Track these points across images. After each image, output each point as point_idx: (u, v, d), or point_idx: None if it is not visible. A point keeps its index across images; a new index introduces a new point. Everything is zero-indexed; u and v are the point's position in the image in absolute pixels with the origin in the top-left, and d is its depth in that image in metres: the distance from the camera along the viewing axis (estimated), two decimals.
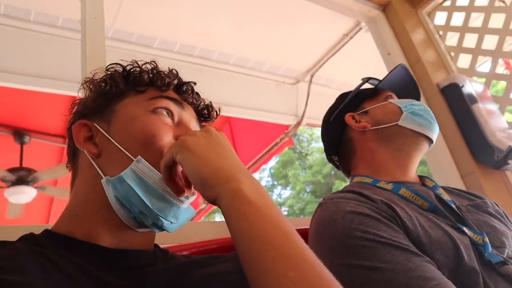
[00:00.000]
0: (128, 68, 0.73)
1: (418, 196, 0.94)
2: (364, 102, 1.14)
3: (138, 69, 0.72)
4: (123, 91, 0.70)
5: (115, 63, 0.74)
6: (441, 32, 2.18)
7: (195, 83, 0.77)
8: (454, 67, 2.07)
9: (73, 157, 0.69)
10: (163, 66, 0.75)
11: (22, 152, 3.60)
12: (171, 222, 0.61)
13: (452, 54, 2.12)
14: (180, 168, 0.61)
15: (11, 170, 3.55)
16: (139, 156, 0.60)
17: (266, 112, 3.21)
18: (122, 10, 2.29)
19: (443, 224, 0.87)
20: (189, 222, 0.80)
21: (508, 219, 1.02)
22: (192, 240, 1.02)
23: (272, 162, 16.01)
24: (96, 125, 0.67)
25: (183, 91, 0.73)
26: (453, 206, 0.96)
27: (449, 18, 2.15)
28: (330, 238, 0.83)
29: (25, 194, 3.67)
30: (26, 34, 2.25)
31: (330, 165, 1.22)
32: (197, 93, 0.77)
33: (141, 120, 0.65)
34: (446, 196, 0.99)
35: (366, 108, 1.13)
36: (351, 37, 2.79)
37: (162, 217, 0.59)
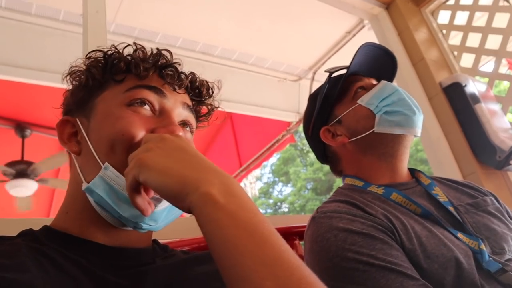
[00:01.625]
0: (108, 53, 0.68)
1: (410, 201, 0.91)
2: (335, 108, 1.07)
3: (117, 54, 0.68)
4: (102, 82, 0.67)
5: (95, 50, 0.69)
6: (444, 31, 2.17)
7: (179, 64, 0.71)
8: (457, 67, 2.07)
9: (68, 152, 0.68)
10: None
11: (23, 145, 3.60)
12: (151, 225, 0.59)
13: (455, 53, 2.11)
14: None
15: (12, 164, 3.56)
16: (106, 163, 0.58)
17: (268, 109, 3.20)
18: (124, 4, 2.28)
19: (439, 232, 0.84)
20: (190, 218, 0.79)
21: (509, 215, 0.99)
22: (192, 236, 1.02)
23: (273, 159, 16.02)
24: (78, 121, 0.65)
25: (165, 75, 0.67)
26: (450, 208, 0.92)
27: (452, 17, 2.14)
28: (324, 259, 0.80)
29: (25, 188, 3.67)
30: (27, 27, 2.24)
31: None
32: (182, 73, 0.70)
33: (113, 117, 0.62)
34: (442, 197, 0.95)
35: (338, 115, 1.05)
36: (354, 35, 2.78)
37: (139, 222, 0.58)
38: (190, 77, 0.72)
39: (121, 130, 0.60)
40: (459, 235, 0.85)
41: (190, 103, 0.71)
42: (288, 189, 16.70)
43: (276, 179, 17.09)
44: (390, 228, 0.82)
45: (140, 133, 0.60)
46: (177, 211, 0.62)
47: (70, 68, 0.70)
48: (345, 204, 0.90)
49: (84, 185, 0.59)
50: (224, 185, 0.48)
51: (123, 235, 0.62)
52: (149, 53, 0.69)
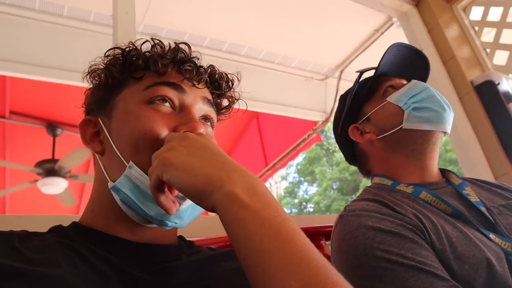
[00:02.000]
0: (126, 51, 0.68)
1: (440, 200, 0.89)
2: (364, 106, 1.07)
3: (135, 52, 0.68)
4: (121, 81, 0.67)
5: (114, 47, 0.69)
6: (476, 28, 2.11)
7: (198, 58, 0.70)
8: (489, 64, 2.01)
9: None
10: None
11: (54, 144, 3.71)
12: (176, 223, 0.59)
13: (488, 50, 2.05)
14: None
15: (43, 162, 3.67)
16: (130, 162, 0.59)
17: (294, 108, 3.18)
18: (153, 5, 2.31)
19: (471, 232, 0.82)
20: (213, 216, 0.79)
21: None
22: (216, 235, 1.03)
23: (299, 158, 15.96)
24: (100, 121, 0.66)
25: (184, 71, 0.66)
26: (482, 208, 0.90)
27: (485, 13, 2.08)
28: (352, 257, 0.80)
29: (56, 185, 3.78)
30: (59, 29, 2.31)
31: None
32: (201, 67, 0.69)
33: (134, 116, 0.62)
34: (474, 197, 0.93)
35: (367, 113, 1.05)
36: (382, 33, 2.73)
37: (165, 220, 0.58)
38: (209, 70, 0.71)
39: (143, 129, 0.60)
40: (491, 235, 0.83)
41: (210, 97, 0.70)
42: (313, 189, 16.62)
43: (302, 178, 17.02)
44: (420, 227, 0.80)
45: (163, 131, 0.60)
46: (201, 208, 0.61)
47: (89, 67, 0.70)
48: (374, 203, 0.89)
49: (110, 184, 0.59)
50: (248, 183, 0.48)
51: (148, 232, 0.62)
52: (167, 48, 0.69)
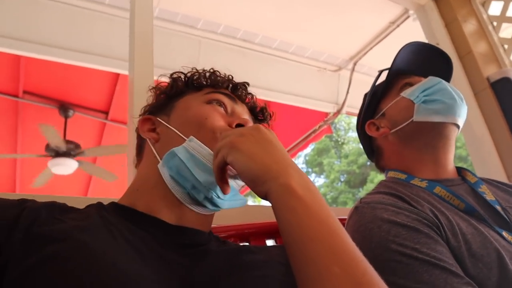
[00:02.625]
0: (189, 74, 0.80)
1: (454, 196, 0.89)
2: (381, 102, 1.09)
3: (197, 73, 0.80)
4: (183, 91, 0.78)
5: (179, 71, 0.82)
6: (495, 23, 2.07)
7: (248, 84, 0.83)
8: (507, 61, 1.97)
9: (140, 150, 0.77)
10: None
11: (66, 125, 3.74)
12: (219, 197, 0.64)
13: (506, 46, 2.02)
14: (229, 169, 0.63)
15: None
16: (191, 136, 0.66)
17: (306, 98, 3.17)
18: None
19: (485, 230, 0.81)
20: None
21: None
22: (232, 223, 1.04)
23: (308, 149, 15.92)
24: (158, 119, 0.75)
25: (236, 89, 0.80)
26: (498, 207, 0.89)
27: (505, 8, 2.04)
28: (366, 249, 0.77)
29: (67, 166, 3.82)
30: (76, 11, 2.31)
31: (366, 156, 1.20)
32: (250, 94, 0.83)
33: (195, 108, 0.72)
34: (489, 196, 0.93)
35: (383, 109, 1.07)
36: (398, 25, 2.70)
37: (212, 190, 0.63)
38: (255, 99, 0.84)
39: (205, 114, 0.70)
40: (504, 233, 0.83)
41: (252, 116, 0.81)
42: (321, 180, 16.60)
43: (310, 169, 17.00)
44: (436, 223, 0.80)
45: (218, 123, 0.69)
46: (240, 200, 0.69)
47: (157, 85, 0.83)
48: (390, 196, 0.89)
49: (162, 162, 0.66)
50: (301, 179, 0.53)
51: (186, 216, 0.66)
52: (223, 75, 0.82)
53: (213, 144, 0.64)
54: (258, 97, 0.87)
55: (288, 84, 3.09)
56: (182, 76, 0.81)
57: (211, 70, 0.81)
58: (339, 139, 16.10)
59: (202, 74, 0.80)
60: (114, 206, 0.66)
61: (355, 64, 3.14)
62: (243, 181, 0.57)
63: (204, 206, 0.66)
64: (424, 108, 0.97)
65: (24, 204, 0.56)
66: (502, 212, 0.88)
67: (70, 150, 3.73)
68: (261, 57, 2.94)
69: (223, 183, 0.61)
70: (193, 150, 0.64)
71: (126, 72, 2.18)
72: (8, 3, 2.15)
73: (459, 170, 1.04)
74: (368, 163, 14.49)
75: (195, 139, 0.65)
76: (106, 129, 3.92)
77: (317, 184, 16.55)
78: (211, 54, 2.62)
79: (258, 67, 2.92)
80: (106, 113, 3.76)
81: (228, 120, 0.72)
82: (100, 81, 3.43)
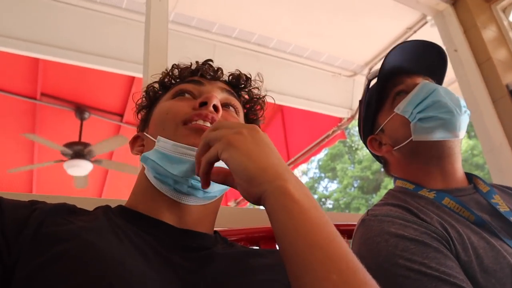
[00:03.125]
0: (161, 79, 0.82)
1: (463, 208, 0.86)
2: (378, 115, 1.04)
3: (165, 74, 0.82)
4: (157, 98, 0.80)
5: (153, 82, 0.83)
6: None
7: (212, 60, 0.82)
8: None
9: None
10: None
11: (81, 127, 3.79)
12: (199, 181, 0.63)
13: None
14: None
15: (70, 144, 3.76)
16: (158, 136, 0.67)
17: (320, 103, 3.16)
18: None
19: (498, 244, 0.79)
20: (238, 208, 0.80)
21: None
22: (242, 226, 1.04)
23: (321, 154, 15.85)
24: (144, 133, 0.76)
25: (199, 71, 0.79)
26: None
27: None
28: (372, 263, 0.77)
29: (81, 168, 3.87)
30: (93, 14, 2.34)
31: None
32: (219, 68, 0.81)
33: (160, 107, 0.74)
34: (503, 207, 0.89)
35: (381, 124, 1.03)
36: (415, 31, 2.66)
37: (190, 179, 0.63)
38: (228, 72, 0.82)
39: (165, 111, 0.71)
40: None
41: (229, 88, 0.79)
42: (334, 186, 16.50)
43: (323, 174, 16.92)
44: (445, 237, 0.78)
45: (182, 109, 0.69)
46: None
47: (136, 102, 0.84)
48: (398, 208, 0.86)
49: (142, 165, 0.68)
50: (297, 184, 0.51)
51: (185, 215, 0.66)
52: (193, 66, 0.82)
53: (178, 134, 0.66)
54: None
55: (302, 88, 3.07)
56: (156, 85, 0.82)
57: (174, 66, 0.82)
58: (352, 145, 16.00)
59: (167, 73, 0.82)
60: (120, 209, 0.67)
61: (370, 69, 3.11)
62: (236, 180, 0.55)
63: (194, 195, 0.66)
64: (420, 127, 0.93)
65: (34, 205, 0.57)
66: None
67: (81, 151, 3.77)
68: (275, 62, 2.94)
69: (207, 177, 0.59)
70: (161, 149, 0.65)
71: (141, 75, 2.19)
72: (27, 7, 2.19)
73: (470, 177, 1.01)
74: (382, 169, 14.32)
75: (161, 138, 0.66)
76: (121, 132, 3.97)
77: (330, 189, 16.47)
78: (225, 58, 2.63)
79: (272, 71, 2.92)
80: (121, 115, 3.80)
81: (193, 103, 0.71)
82: (116, 84, 3.47)
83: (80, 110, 3.72)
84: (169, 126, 0.68)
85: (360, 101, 1.12)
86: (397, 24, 2.68)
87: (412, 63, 1.03)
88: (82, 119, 3.77)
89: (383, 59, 1.01)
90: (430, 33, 2.36)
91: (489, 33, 1.96)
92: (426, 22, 2.54)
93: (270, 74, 2.90)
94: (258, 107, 0.85)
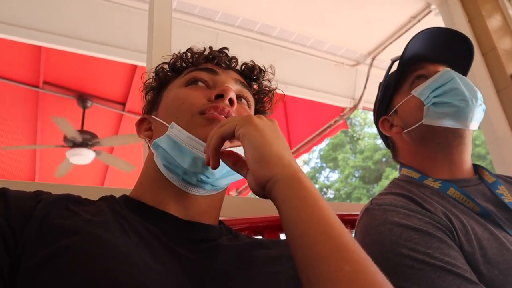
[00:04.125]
0: (171, 62, 0.79)
1: (468, 198, 0.85)
2: (394, 96, 1.04)
3: (176, 57, 0.79)
4: (167, 80, 0.78)
5: (163, 63, 0.81)
6: None
7: (227, 49, 0.80)
8: None
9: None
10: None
11: (84, 116, 3.79)
12: (208, 177, 0.64)
13: None
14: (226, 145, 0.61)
15: (82, 132, 3.76)
16: (172, 122, 0.66)
17: (323, 93, 3.15)
18: None
19: (502, 235, 0.78)
20: (242, 198, 0.80)
21: None
22: (246, 215, 1.04)
23: (322, 144, 15.84)
24: (152, 115, 0.75)
25: (215, 59, 0.76)
26: None
27: None
28: (376, 253, 0.77)
29: (84, 156, 3.87)
30: (96, 2, 2.33)
31: (381, 152, 1.17)
32: (234, 57, 0.79)
33: (174, 93, 0.72)
34: (508, 198, 0.89)
35: (395, 105, 1.02)
36: (419, 20, 2.65)
37: (199, 173, 0.63)
38: (241, 61, 0.80)
39: (181, 99, 0.69)
40: None
41: (242, 80, 0.77)
42: (335, 176, 16.52)
43: (324, 164, 16.93)
44: (449, 227, 0.78)
45: (198, 99, 0.68)
46: (235, 175, 0.66)
47: (144, 82, 0.82)
48: (402, 198, 0.86)
49: (154, 152, 0.67)
50: (306, 177, 0.52)
51: (192, 205, 0.66)
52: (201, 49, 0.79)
53: (194, 123, 0.65)
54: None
55: (305, 78, 3.06)
56: (166, 66, 0.80)
57: (188, 50, 0.79)
58: (354, 135, 15.98)
59: (180, 56, 0.79)
60: (125, 199, 0.66)
61: (373, 59, 3.10)
62: (247, 159, 0.54)
63: (202, 188, 0.65)
64: (433, 111, 0.93)
65: (39, 196, 0.57)
66: None
67: (87, 140, 3.78)
68: (278, 51, 2.92)
69: (216, 153, 0.57)
70: (174, 137, 0.64)
71: (144, 64, 2.18)
72: None
73: (476, 168, 1.00)
74: (384, 159, 14.38)
75: (175, 125, 0.65)
76: (123, 120, 3.96)
77: (331, 179, 16.50)
78: (228, 47, 2.61)
79: (275, 60, 2.90)
80: (123, 104, 3.79)
81: (209, 93, 0.69)
82: (118, 72, 3.46)
83: (83, 98, 3.72)
84: (184, 115, 0.66)
85: (380, 83, 1.11)
86: (401, 13, 2.66)
87: (437, 52, 1.02)
88: (84, 107, 3.77)
89: (399, 41, 1.00)
90: (434, 22, 2.35)
91: (494, 23, 1.95)
92: (430, 11, 2.53)
93: (273, 63, 2.89)
94: (267, 99, 0.85)
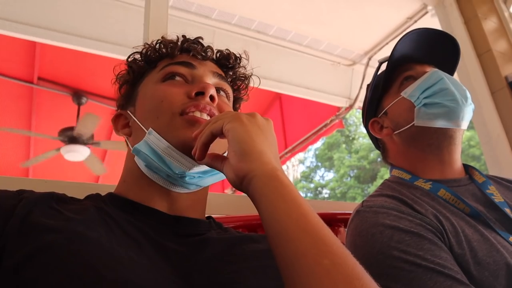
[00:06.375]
0: (143, 52, 0.77)
1: (458, 199, 0.86)
2: (383, 99, 1.04)
3: (150, 48, 0.76)
4: (141, 74, 0.75)
5: (133, 52, 0.78)
6: None
7: (202, 38, 0.78)
8: None
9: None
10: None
11: (79, 112, 3.76)
12: (194, 177, 0.64)
13: None
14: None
15: (67, 130, 3.73)
16: (150, 128, 0.64)
17: (319, 92, 3.15)
18: None
19: (492, 236, 0.79)
20: (235, 196, 0.79)
21: None
22: (240, 213, 1.04)
23: (318, 144, 15.87)
24: (128, 112, 0.73)
25: (191, 51, 0.74)
26: (507, 210, 0.86)
27: None
28: (367, 255, 0.78)
29: (78, 153, 3.84)
30: None
31: (376, 152, 1.17)
32: (208, 46, 0.77)
33: (151, 90, 0.70)
34: (498, 197, 0.89)
35: (385, 107, 1.02)
36: (416, 21, 2.66)
37: (184, 177, 0.62)
38: (215, 49, 0.78)
39: (160, 98, 0.67)
40: (511, 239, 0.80)
41: (220, 71, 0.76)
42: (330, 175, 16.56)
43: (319, 163, 16.97)
44: (439, 229, 0.78)
45: (177, 96, 0.67)
46: (218, 174, 0.65)
47: (117, 74, 0.79)
48: (393, 200, 0.86)
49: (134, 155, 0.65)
50: (285, 175, 0.52)
51: (178, 202, 0.66)
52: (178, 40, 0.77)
53: (174, 125, 0.64)
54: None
55: (301, 77, 3.06)
56: (138, 56, 0.77)
57: (160, 40, 0.77)
58: (350, 134, 16.02)
59: (153, 47, 0.76)
60: (110, 197, 0.66)
61: (369, 59, 3.10)
62: (229, 152, 0.55)
63: (187, 188, 0.66)
64: (424, 112, 0.93)
65: (21, 195, 0.56)
66: (511, 215, 0.85)
67: (83, 138, 3.75)
68: (275, 49, 2.92)
69: (205, 148, 0.58)
70: (153, 145, 0.63)
71: None
72: None
73: (467, 168, 1.01)
74: (379, 159, 14.43)
75: (153, 132, 0.64)
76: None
77: (326, 178, 16.54)
78: (224, 45, 2.60)
79: (271, 59, 2.90)
80: None
81: (188, 89, 0.68)
82: (114, 69, 3.44)
83: (78, 95, 3.69)
84: (164, 115, 0.65)
85: (368, 85, 1.11)
86: (398, 14, 2.67)
87: (424, 53, 1.02)
88: (79, 104, 3.74)
89: (396, 42, 1.00)
90: (431, 23, 2.35)
91: (489, 24, 1.96)
92: (426, 12, 2.53)
93: (269, 62, 2.89)
94: (243, 85, 0.84)
